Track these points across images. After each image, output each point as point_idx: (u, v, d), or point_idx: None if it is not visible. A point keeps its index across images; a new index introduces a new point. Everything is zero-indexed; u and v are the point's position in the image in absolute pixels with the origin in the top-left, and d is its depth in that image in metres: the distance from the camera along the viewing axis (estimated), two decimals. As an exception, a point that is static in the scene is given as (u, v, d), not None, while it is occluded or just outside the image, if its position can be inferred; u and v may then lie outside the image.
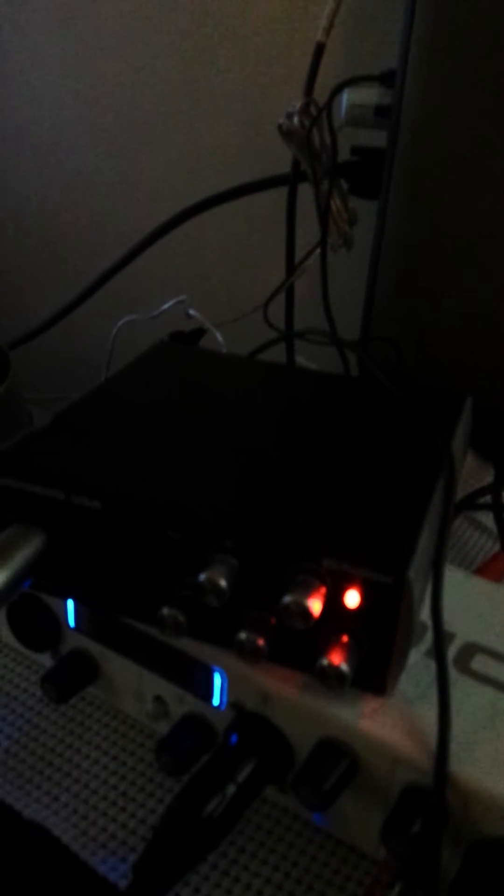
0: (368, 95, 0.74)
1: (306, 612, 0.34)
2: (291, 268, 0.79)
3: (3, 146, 1.04)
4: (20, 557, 0.37)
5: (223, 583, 0.35)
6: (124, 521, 0.37)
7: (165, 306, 0.76)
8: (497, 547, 0.60)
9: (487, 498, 0.63)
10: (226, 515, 0.37)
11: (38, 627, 0.44)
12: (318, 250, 0.75)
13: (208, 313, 0.75)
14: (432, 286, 0.74)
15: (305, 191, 0.76)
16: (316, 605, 0.34)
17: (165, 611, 0.37)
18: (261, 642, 0.35)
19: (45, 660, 0.46)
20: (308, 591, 0.34)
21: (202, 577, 0.35)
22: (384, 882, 0.33)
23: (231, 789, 0.35)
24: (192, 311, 0.73)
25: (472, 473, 0.67)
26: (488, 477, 0.66)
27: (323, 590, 0.35)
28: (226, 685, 0.38)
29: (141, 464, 0.40)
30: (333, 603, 0.35)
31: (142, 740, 0.43)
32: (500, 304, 0.71)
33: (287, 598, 0.34)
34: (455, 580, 0.44)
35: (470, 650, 0.40)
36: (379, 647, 0.35)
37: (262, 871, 0.37)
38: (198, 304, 0.75)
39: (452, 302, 0.74)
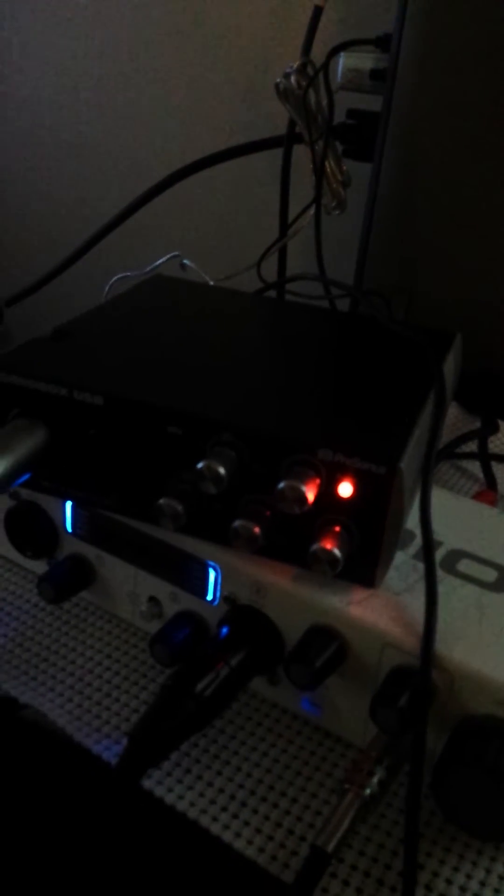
0: (364, 59, 0.76)
1: (301, 496, 0.35)
2: (285, 227, 0.81)
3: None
4: (23, 447, 0.38)
5: (222, 470, 0.36)
6: (125, 418, 0.38)
7: (160, 261, 0.77)
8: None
9: (473, 448, 0.64)
10: (225, 411, 0.38)
11: (35, 534, 0.45)
12: (312, 210, 0.77)
13: (202, 270, 0.77)
14: (423, 249, 0.76)
15: (301, 158, 0.78)
16: (310, 492, 0.35)
17: (163, 501, 0.38)
18: (256, 530, 0.36)
19: (41, 568, 0.47)
20: (303, 478, 0.35)
21: (201, 464, 0.36)
22: (372, 757, 0.35)
23: (224, 670, 0.36)
24: (186, 262, 0.75)
25: (460, 426, 0.69)
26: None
27: (317, 480, 0.36)
28: (220, 579, 0.40)
29: (141, 366, 0.42)
30: (327, 494, 0.36)
31: (135, 641, 0.44)
32: (489, 268, 0.73)
33: (282, 484, 0.35)
34: (444, 499, 0.46)
35: (456, 555, 0.41)
36: (369, 538, 0.36)
37: (251, 756, 0.38)
38: (193, 263, 0.77)
39: (442, 265, 0.76)
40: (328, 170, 0.76)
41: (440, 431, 0.43)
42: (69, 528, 0.44)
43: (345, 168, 0.78)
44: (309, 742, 0.39)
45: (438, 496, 0.45)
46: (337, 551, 0.35)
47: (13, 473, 0.37)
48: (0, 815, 0.36)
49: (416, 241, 0.76)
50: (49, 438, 0.39)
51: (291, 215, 0.80)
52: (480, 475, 0.61)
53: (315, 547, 0.36)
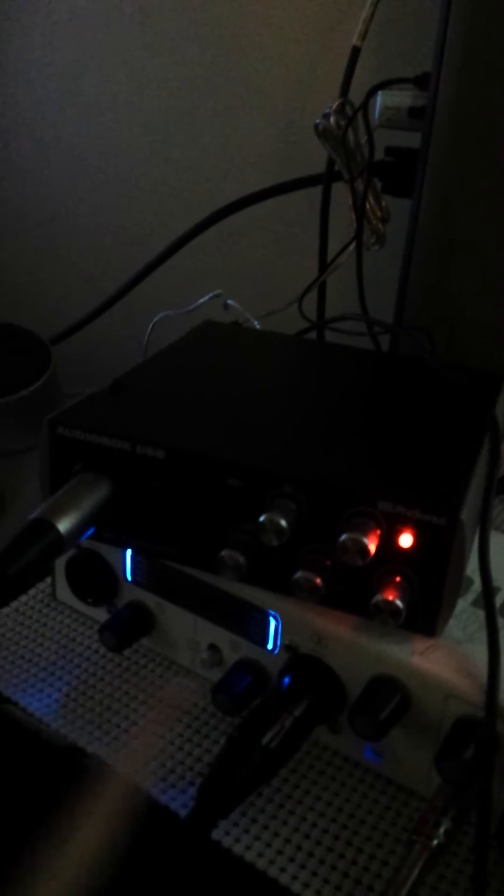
0: (402, 97, 0.77)
1: (363, 549, 0.35)
2: (324, 264, 0.82)
3: (45, 156, 1.08)
4: (88, 503, 0.39)
5: (283, 522, 0.36)
6: (186, 471, 0.39)
7: (202, 300, 0.79)
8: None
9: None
10: (285, 463, 0.39)
11: (96, 581, 0.46)
12: (353, 247, 0.78)
13: (243, 308, 0.78)
14: (463, 282, 0.76)
15: (337, 190, 0.79)
16: (371, 544, 0.36)
17: (225, 552, 0.38)
18: (318, 581, 0.37)
19: (101, 615, 0.48)
20: (364, 530, 0.36)
21: (263, 517, 0.37)
22: (438, 809, 0.35)
23: (288, 721, 0.37)
24: (230, 302, 0.76)
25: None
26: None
27: (378, 531, 0.36)
28: (280, 629, 0.40)
29: (200, 419, 0.43)
30: (387, 545, 0.37)
31: (195, 688, 0.44)
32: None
33: (344, 536, 0.36)
34: (501, 543, 0.46)
35: (515, 601, 0.41)
36: (430, 587, 0.37)
37: (315, 805, 0.39)
38: (233, 300, 0.78)
39: (483, 297, 0.76)
40: (368, 207, 0.77)
41: (496, 477, 0.43)
42: (129, 576, 0.45)
43: (384, 204, 0.79)
44: (371, 790, 0.39)
45: (495, 540, 0.45)
46: (399, 602, 0.36)
47: (80, 531, 0.38)
48: (67, 861, 0.36)
49: (456, 271, 0.76)
50: (112, 492, 0.40)
51: (330, 252, 0.81)
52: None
53: (377, 598, 0.36)
